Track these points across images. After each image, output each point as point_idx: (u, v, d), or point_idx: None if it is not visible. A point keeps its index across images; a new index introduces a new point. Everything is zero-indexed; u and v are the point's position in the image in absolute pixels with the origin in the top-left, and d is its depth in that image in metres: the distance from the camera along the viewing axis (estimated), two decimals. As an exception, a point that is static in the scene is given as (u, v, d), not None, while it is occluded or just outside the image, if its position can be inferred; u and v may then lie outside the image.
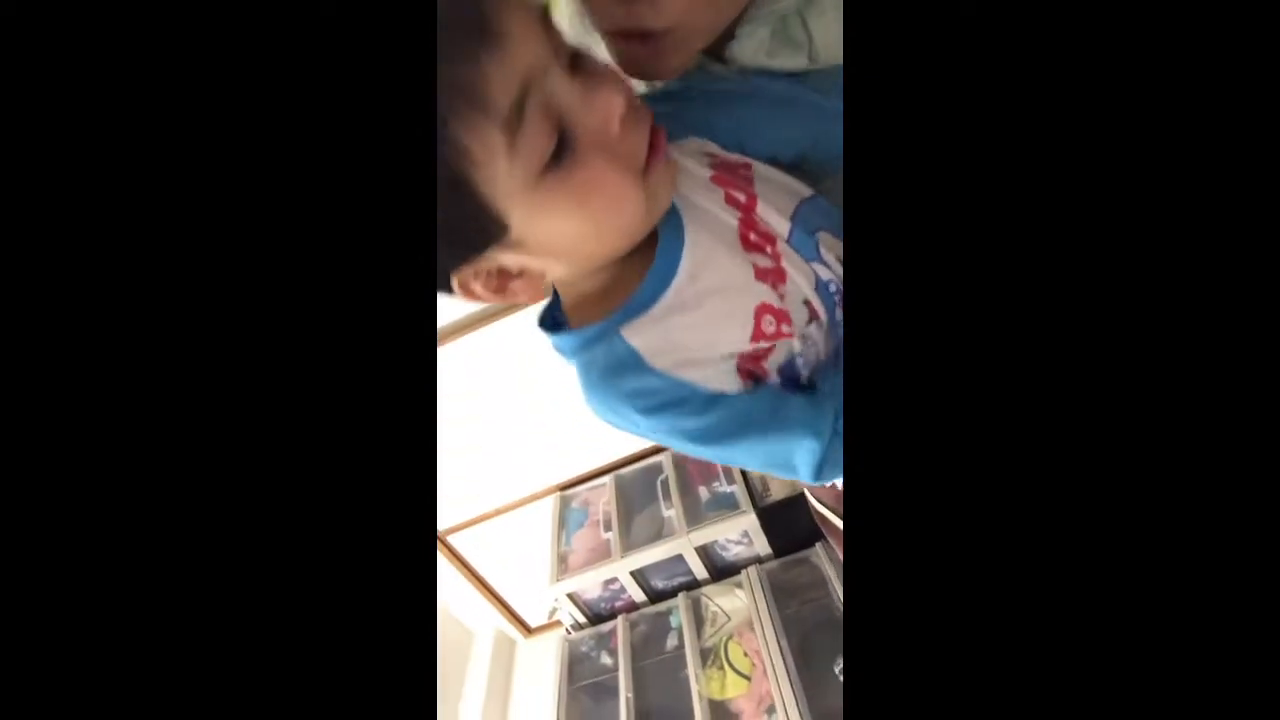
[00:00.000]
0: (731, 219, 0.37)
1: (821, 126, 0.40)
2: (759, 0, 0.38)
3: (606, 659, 1.49)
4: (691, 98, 0.41)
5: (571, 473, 1.60)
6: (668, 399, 0.33)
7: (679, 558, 1.46)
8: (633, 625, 1.51)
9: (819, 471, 0.35)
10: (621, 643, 1.46)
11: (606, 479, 1.60)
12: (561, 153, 0.28)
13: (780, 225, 0.38)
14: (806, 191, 0.41)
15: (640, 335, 0.34)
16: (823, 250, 0.39)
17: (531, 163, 0.28)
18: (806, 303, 0.38)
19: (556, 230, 0.30)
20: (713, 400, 0.34)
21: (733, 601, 1.43)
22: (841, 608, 1.28)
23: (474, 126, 0.26)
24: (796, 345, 0.37)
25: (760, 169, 0.40)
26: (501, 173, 0.27)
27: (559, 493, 1.62)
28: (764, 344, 0.35)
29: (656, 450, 1.58)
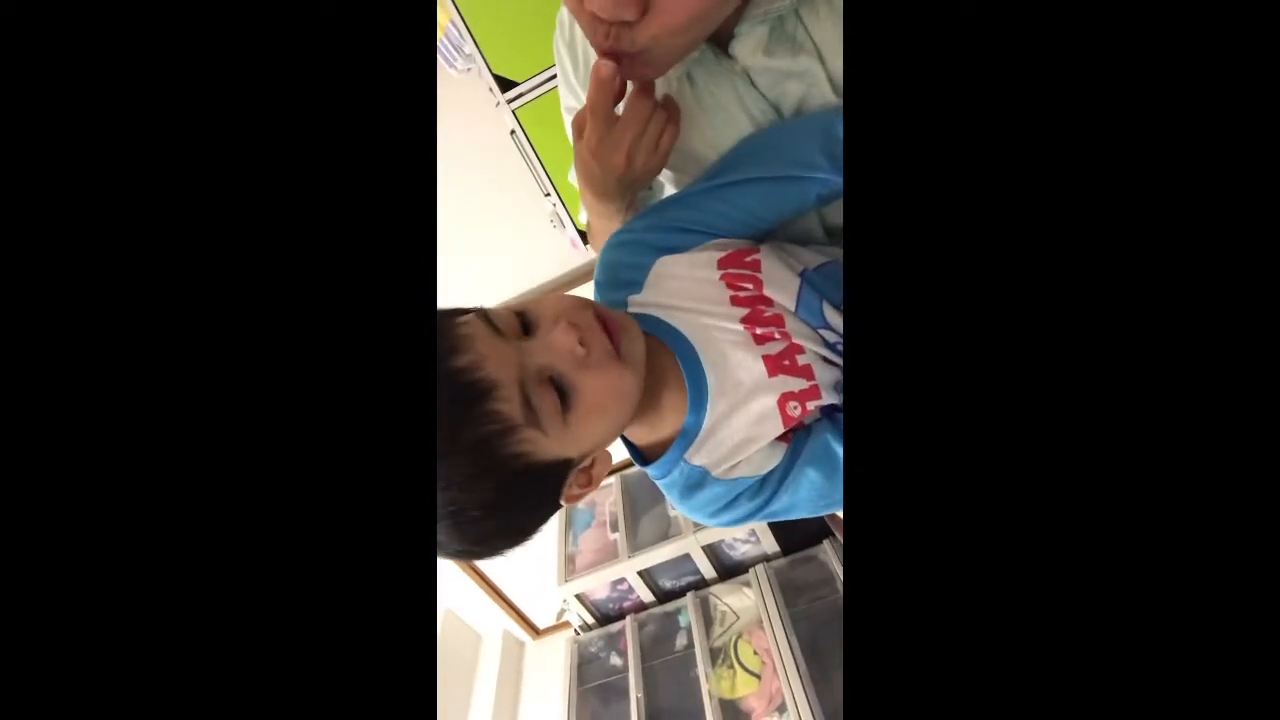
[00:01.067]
0: (737, 324, 0.41)
1: (812, 198, 0.45)
2: (755, 5, 0.39)
3: (616, 659, 1.49)
4: (691, 202, 0.45)
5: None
6: (727, 500, 0.41)
7: (686, 557, 1.46)
8: (641, 625, 1.51)
9: None
10: (630, 643, 1.46)
11: (613, 479, 1.60)
12: (565, 396, 0.35)
13: (788, 295, 0.42)
14: (813, 261, 0.44)
15: (701, 455, 0.41)
16: (828, 315, 0.42)
17: (555, 420, 0.35)
18: (824, 359, 0.42)
19: (597, 436, 0.38)
20: (762, 482, 0.41)
21: (741, 600, 1.42)
22: (850, 604, 1.27)
23: (515, 440, 0.34)
24: (825, 401, 0.42)
25: (766, 252, 0.43)
26: (546, 444, 0.35)
27: (565, 494, 1.62)
28: (797, 421, 0.42)
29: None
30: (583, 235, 1.09)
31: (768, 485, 0.40)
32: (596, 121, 0.41)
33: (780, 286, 0.41)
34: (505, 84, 0.94)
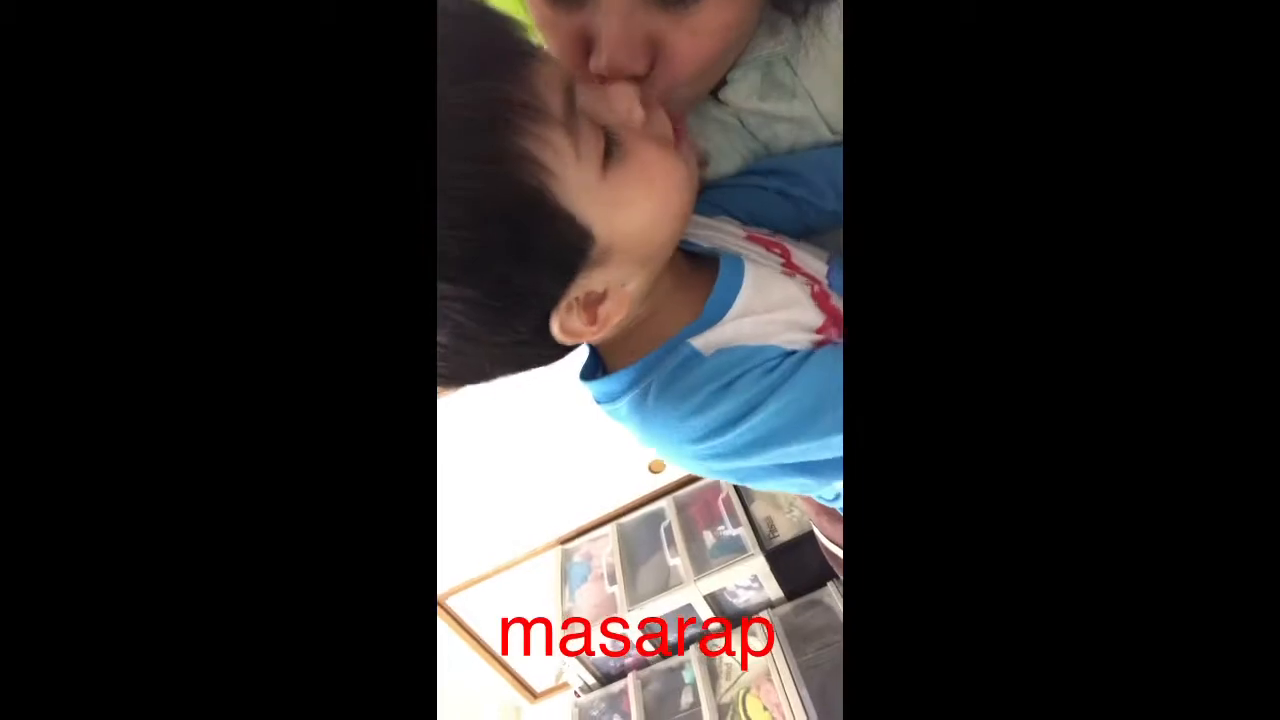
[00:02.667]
0: (775, 261, 0.39)
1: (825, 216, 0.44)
2: (746, 47, 0.40)
3: (619, 722, 1.42)
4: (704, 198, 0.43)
5: (571, 525, 1.56)
6: (730, 377, 0.32)
7: (688, 607, 1.41)
8: (645, 684, 1.45)
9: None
10: (634, 704, 1.40)
11: (608, 529, 1.56)
12: (611, 148, 0.29)
13: (818, 269, 0.40)
14: (834, 254, 0.43)
15: (710, 341, 0.33)
16: None
17: (594, 161, 0.28)
18: None
19: (633, 222, 0.30)
20: (786, 355, 0.33)
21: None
22: (860, 651, 1.23)
23: (540, 136, 0.26)
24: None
25: (789, 240, 0.42)
26: (574, 178, 0.28)
27: (559, 546, 1.58)
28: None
29: (657, 495, 1.54)
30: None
31: (790, 362, 0.32)
32: None
33: (808, 263, 0.40)
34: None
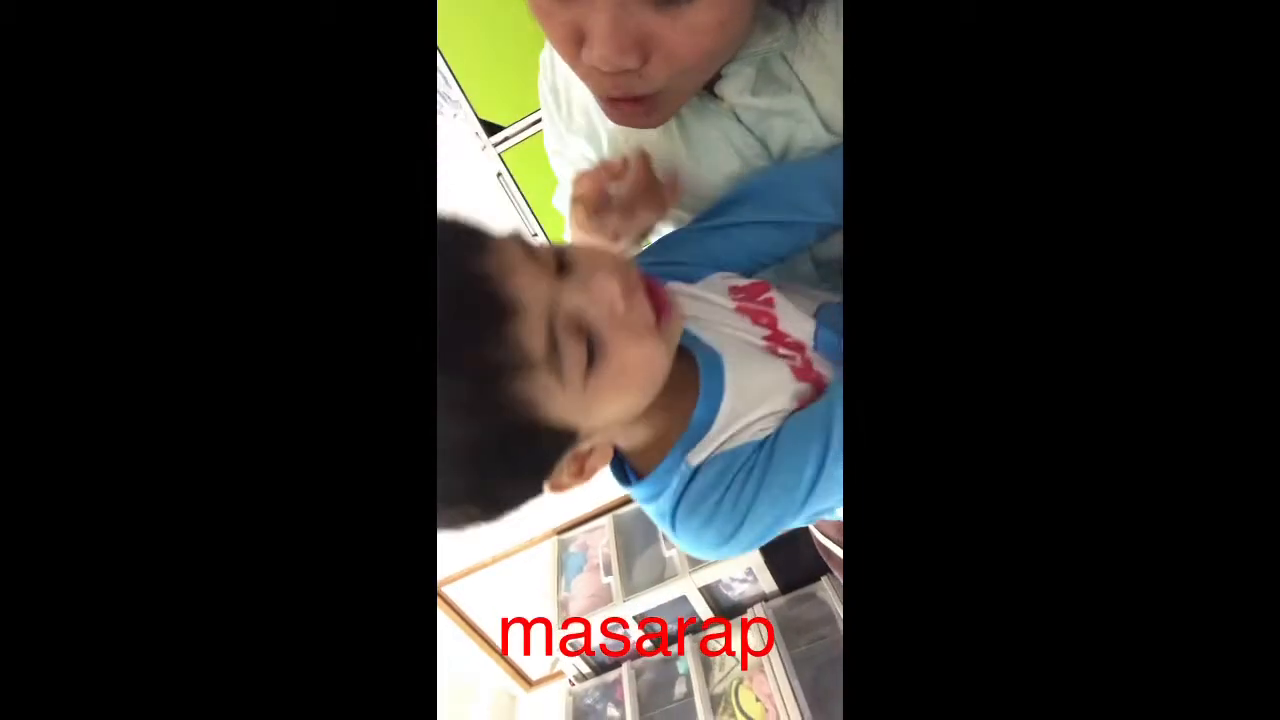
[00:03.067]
0: (759, 337, 0.40)
1: (811, 236, 0.45)
2: (743, 43, 0.40)
3: (613, 711, 1.44)
4: (693, 239, 0.44)
5: (568, 515, 1.57)
6: (725, 483, 0.36)
7: (683, 599, 1.42)
8: (638, 673, 1.46)
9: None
10: (628, 693, 1.41)
11: (604, 520, 1.56)
12: (593, 353, 0.31)
13: (805, 331, 0.40)
14: (825, 298, 0.43)
15: (700, 455, 0.36)
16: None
17: (576, 375, 0.30)
18: None
19: (613, 412, 0.34)
20: (760, 445, 0.36)
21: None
22: (853, 644, 1.24)
23: (527, 380, 0.29)
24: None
25: (777, 291, 0.42)
26: (558, 400, 0.30)
27: (556, 537, 1.58)
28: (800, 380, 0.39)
29: (654, 488, 1.55)
30: (570, 274, 1.09)
31: (765, 448, 0.35)
32: (584, 211, 0.42)
33: (796, 324, 0.41)
34: (491, 128, 0.95)
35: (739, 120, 0.44)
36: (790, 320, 0.41)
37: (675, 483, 0.36)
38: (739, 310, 0.41)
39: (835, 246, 0.48)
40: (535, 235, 1.05)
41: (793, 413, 0.37)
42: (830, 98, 0.42)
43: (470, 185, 1.12)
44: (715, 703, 1.31)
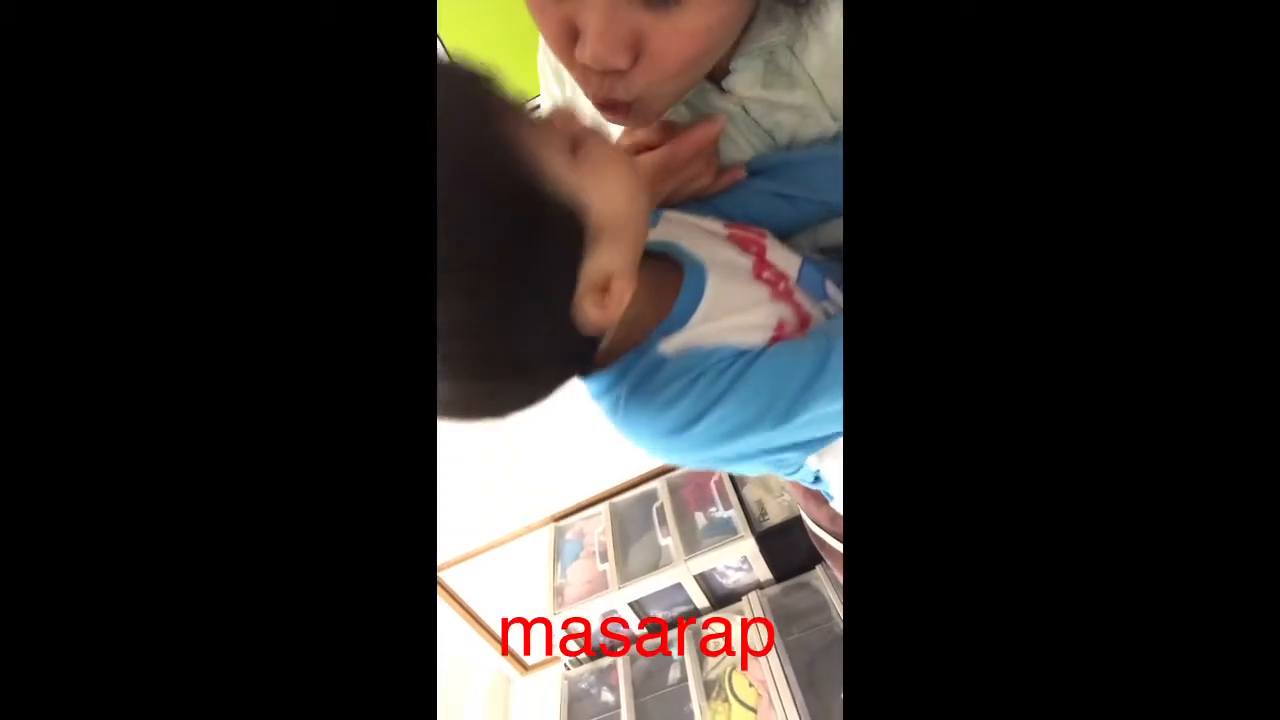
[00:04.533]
0: (746, 260, 0.41)
1: (820, 215, 0.46)
2: (748, 37, 0.40)
3: (608, 695, 1.45)
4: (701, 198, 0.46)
5: (565, 503, 1.58)
6: (689, 379, 0.35)
7: (678, 586, 1.43)
8: (633, 659, 1.47)
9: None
10: (622, 678, 1.42)
11: (601, 508, 1.57)
12: (572, 144, 0.33)
13: (790, 265, 0.42)
14: (811, 253, 0.44)
15: (674, 345, 0.36)
16: (830, 289, 0.42)
17: (564, 151, 0.32)
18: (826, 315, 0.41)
19: (611, 200, 0.34)
20: (738, 355, 0.36)
21: (735, 631, 1.39)
22: (842, 631, 1.25)
23: (519, 128, 0.31)
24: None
25: (769, 235, 0.44)
26: (553, 163, 0.31)
27: (553, 524, 1.59)
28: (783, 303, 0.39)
29: (650, 476, 1.56)
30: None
31: (747, 356, 0.35)
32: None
33: (782, 257, 0.42)
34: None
35: (747, 113, 0.44)
36: (776, 253, 0.42)
37: (640, 365, 0.36)
38: (729, 238, 0.42)
39: (837, 232, 0.48)
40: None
41: (776, 338, 0.37)
42: (836, 89, 0.42)
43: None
44: (709, 688, 1.32)
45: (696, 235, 0.42)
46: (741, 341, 0.36)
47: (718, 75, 0.42)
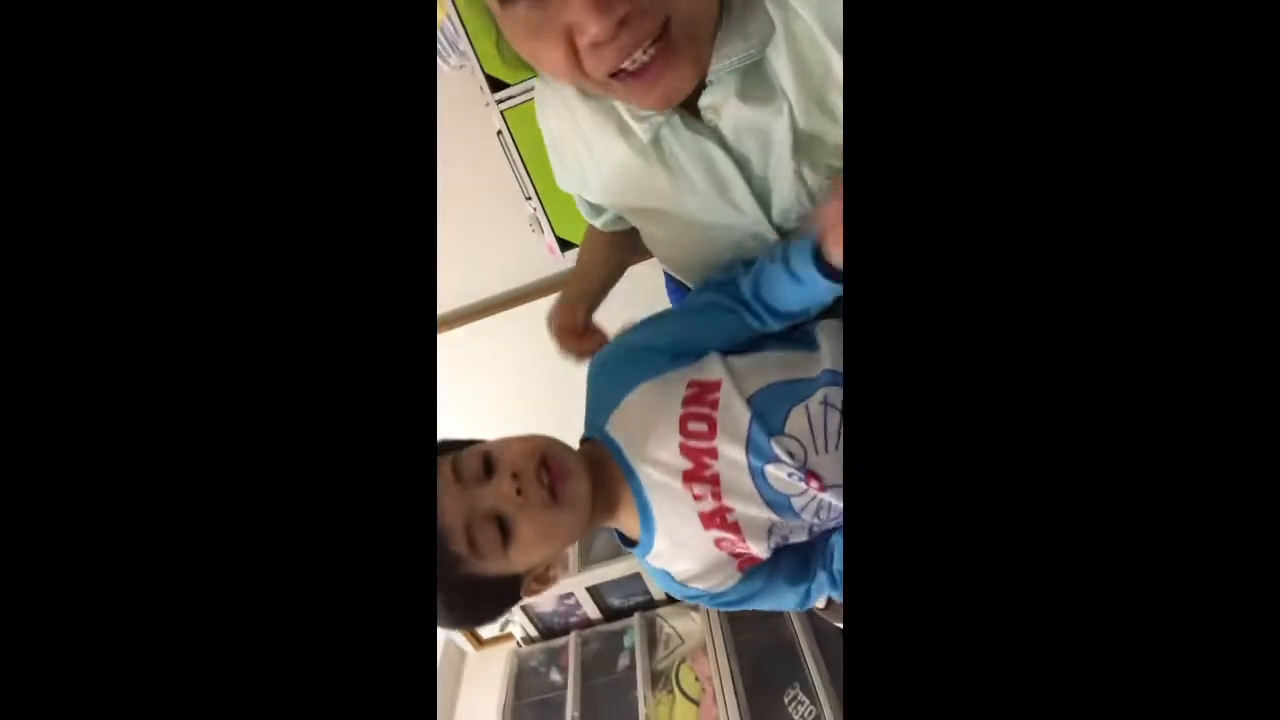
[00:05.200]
0: (679, 482, 0.47)
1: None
2: (720, 54, 0.40)
3: (556, 675, 1.46)
4: (681, 319, 0.53)
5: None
6: (689, 596, 0.52)
7: (637, 576, 1.45)
8: (585, 643, 1.49)
9: (805, 602, 0.52)
10: (573, 660, 1.44)
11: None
12: (507, 532, 0.44)
13: (736, 448, 0.46)
14: (766, 378, 0.47)
15: (660, 562, 0.50)
16: (776, 449, 0.45)
17: (495, 550, 0.44)
18: (754, 515, 0.47)
19: (538, 559, 0.47)
20: (718, 595, 0.51)
21: (688, 624, 1.41)
22: (793, 636, 1.27)
23: (465, 567, 0.44)
24: (755, 553, 0.48)
25: (725, 388, 0.47)
26: (491, 566, 0.45)
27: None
28: (736, 553, 0.49)
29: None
30: (561, 242, 1.08)
31: (720, 600, 0.50)
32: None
33: (731, 434, 0.46)
34: (496, 84, 0.94)
35: (720, 142, 0.44)
36: (727, 430, 0.46)
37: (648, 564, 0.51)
38: (681, 419, 0.47)
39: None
40: (529, 198, 1.05)
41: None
42: (807, 93, 0.42)
43: (470, 140, 1.11)
44: (656, 678, 1.34)
45: (651, 427, 0.48)
46: (713, 580, 0.49)
47: (690, 102, 0.43)
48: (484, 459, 0.45)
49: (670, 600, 1.48)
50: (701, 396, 0.47)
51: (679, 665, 1.34)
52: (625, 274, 0.68)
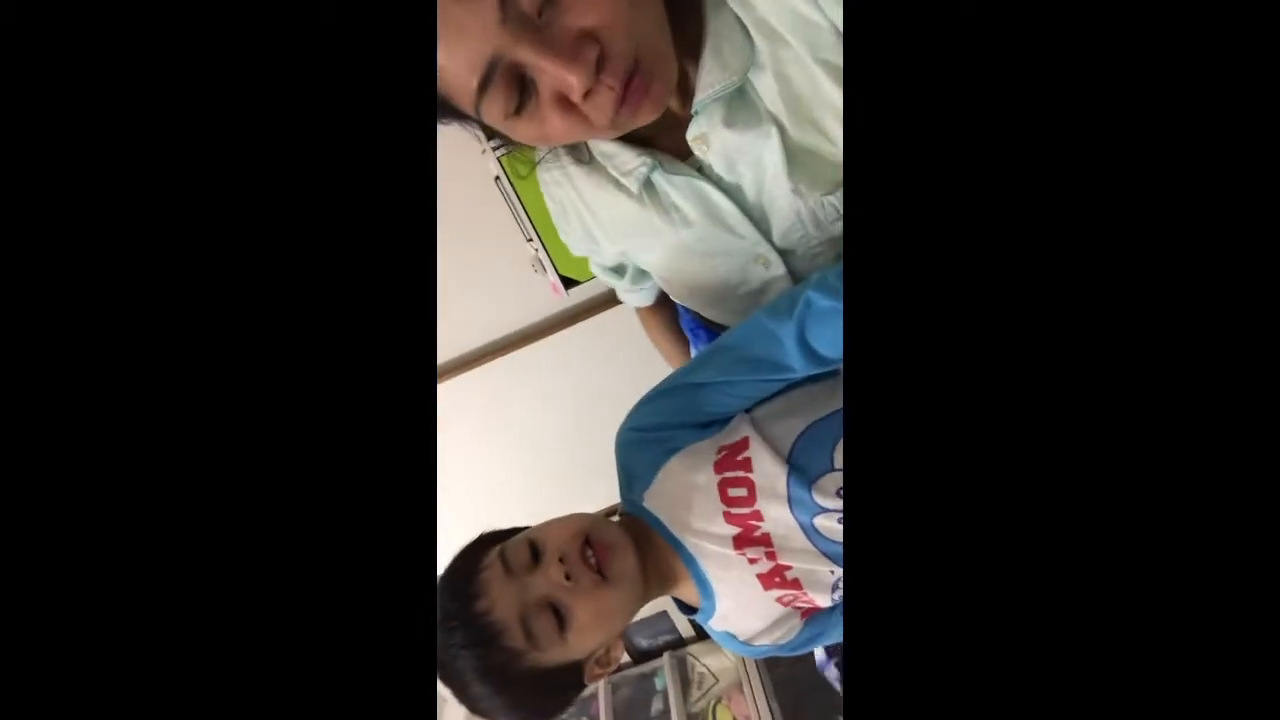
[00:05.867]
0: (731, 549, 0.46)
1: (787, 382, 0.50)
2: (702, 84, 0.42)
3: (588, 725, 1.41)
4: (691, 394, 0.50)
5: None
6: (755, 654, 0.52)
7: (664, 614, 1.41)
8: (615, 688, 1.44)
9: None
10: (604, 708, 1.39)
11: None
12: (560, 619, 0.44)
13: (779, 506, 0.45)
14: (796, 429, 0.46)
15: (723, 625, 0.51)
16: (818, 499, 0.44)
17: (553, 638, 0.44)
18: (813, 568, 0.46)
19: (596, 642, 0.46)
20: (783, 645, 0.51)
21: (720, 661, 1.37)
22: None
23: (526, 660, 0.44)
24: (820, 604, 0.48)
25: (755, 447, 0.46)
26: (549, 657, 0.44)
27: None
28: (798, 605, 0.49)
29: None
30: (564, 280, 1.08)
31: (784, 649, 0.51)
32: None
33: (770, 494, 0.45)
34: (490, 131, 0.94)
35: (709, 177, 0.45)
36: (766, 491, 0.45)
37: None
38: (720, 486, 0.46)
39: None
40: (530, 240, 1.05)
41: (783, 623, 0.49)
42: (794, 114, 0.43)
43: (468, 188, 1.12)
44: (692, 722, 1.29)
45: (690, 499, 0.47)
46: (777, 634, 0.49)
47: (679, 143, 0.44)
48: (530, 547, 0.45)
49: (701, 636, 1.44)
50: (732, 459, 0.46)
51: (715, 706, 1.29)
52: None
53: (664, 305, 0.68)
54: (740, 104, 0.43)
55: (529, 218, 1.01)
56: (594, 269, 0.63)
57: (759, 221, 0.47)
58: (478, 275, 1.26)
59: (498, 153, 0.96)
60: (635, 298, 0.65)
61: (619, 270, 0.61)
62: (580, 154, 0.51)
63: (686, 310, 0.65)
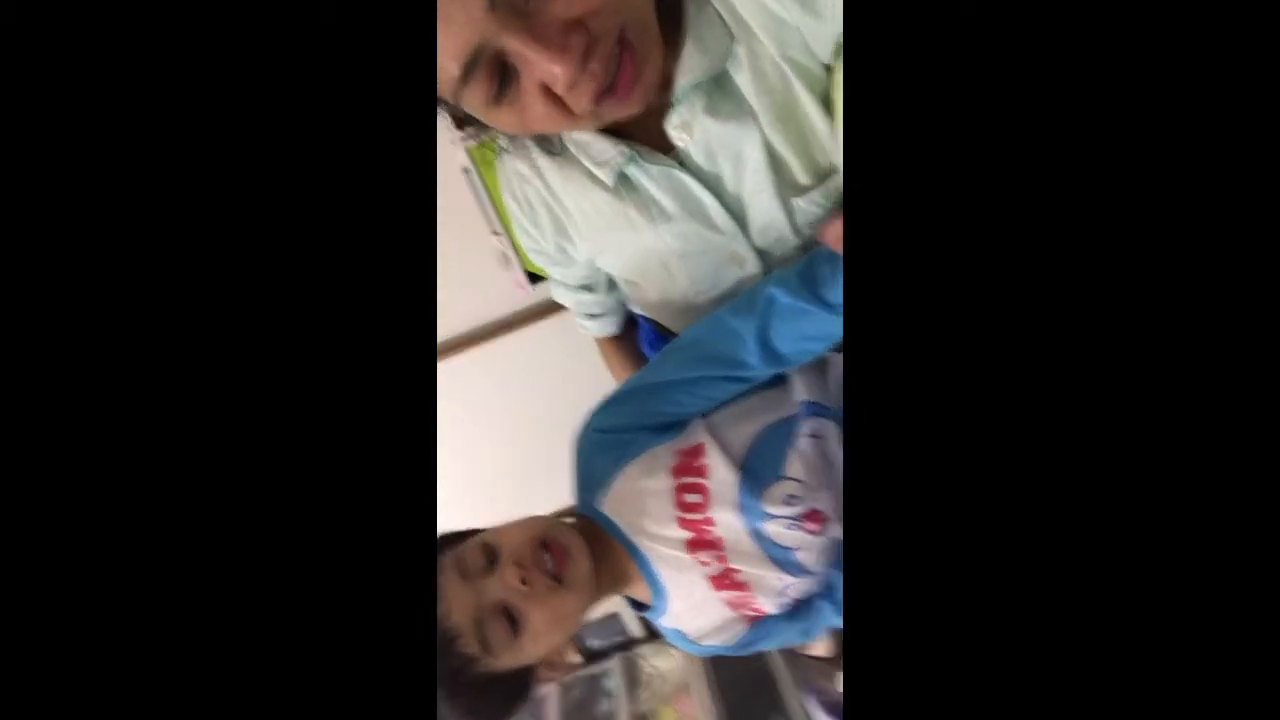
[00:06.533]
0: (684, 552, 0.47)
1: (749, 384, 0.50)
2: (681, 70, 0.41)
3: (535, 726, 1.40)
4: (650, 394, 0.49)
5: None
6: (704, 650, 0.52)
7: (615, 615, 1.41)
8: (566, 690, 1.43)
9: (809, 635, 0.52)
10: (554, 709, 1.38)
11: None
12: (514, 623, 0.44)
13: (731, 513, 0.45)
14: (748, 434, 0.46)
15: (673, 623, 0.51)
16: (767, 507, 0.44)
17: (506, 642, 0.43)
18: (760, 574, 0.46)
19: (548, 647, 0.46)
20: (729, 647, 0.51)
21: (669, 661, 1.37)
22: (775, 668, 1.25)
23: (479, 665, 0.43)
24: (766, 610, 0.48)
25: (710, 450, 0.46)
26: (502, 662, 0.44)
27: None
28: (746, 610, 0.49)
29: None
30: (530, 276, 1.07)
31: (729, 650, 0.51)
32: None
33: (723, 501, 0.45)
34: (461, 122, 0.93)
35: (687, 168, 0.44)
36: (719, 498, 0.45)
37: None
38: (675, 491, 0.46)
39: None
40: (497, 234, 1.03)
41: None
42: (771, 107, 0.43)
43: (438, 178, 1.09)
44: (639, 722, 1.29)
45: (645, 506, 0.47)
46: (726, 635, 0.50)
47: (655, 135, 0.43)
48: (485, 550, 0.44)
49: (652, 636, 1.44)
50: (689, 465, 0.46)
51: (661, 707, 1.30)
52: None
53: (625, 337, 0.65)
54: (721, 95, 0.42)
55: (496, 211, 1.00)
56: (555, 291, 0.60)
57: (737, 216, 0.46)
58: (441, 268, 1.23)
59: (468, 143, 0.95)
60: (596, 326, 0.62)
61: (589, 287, 0.59)
62: (551, 145, 0.48)
63: (649, 325, 0.64)
